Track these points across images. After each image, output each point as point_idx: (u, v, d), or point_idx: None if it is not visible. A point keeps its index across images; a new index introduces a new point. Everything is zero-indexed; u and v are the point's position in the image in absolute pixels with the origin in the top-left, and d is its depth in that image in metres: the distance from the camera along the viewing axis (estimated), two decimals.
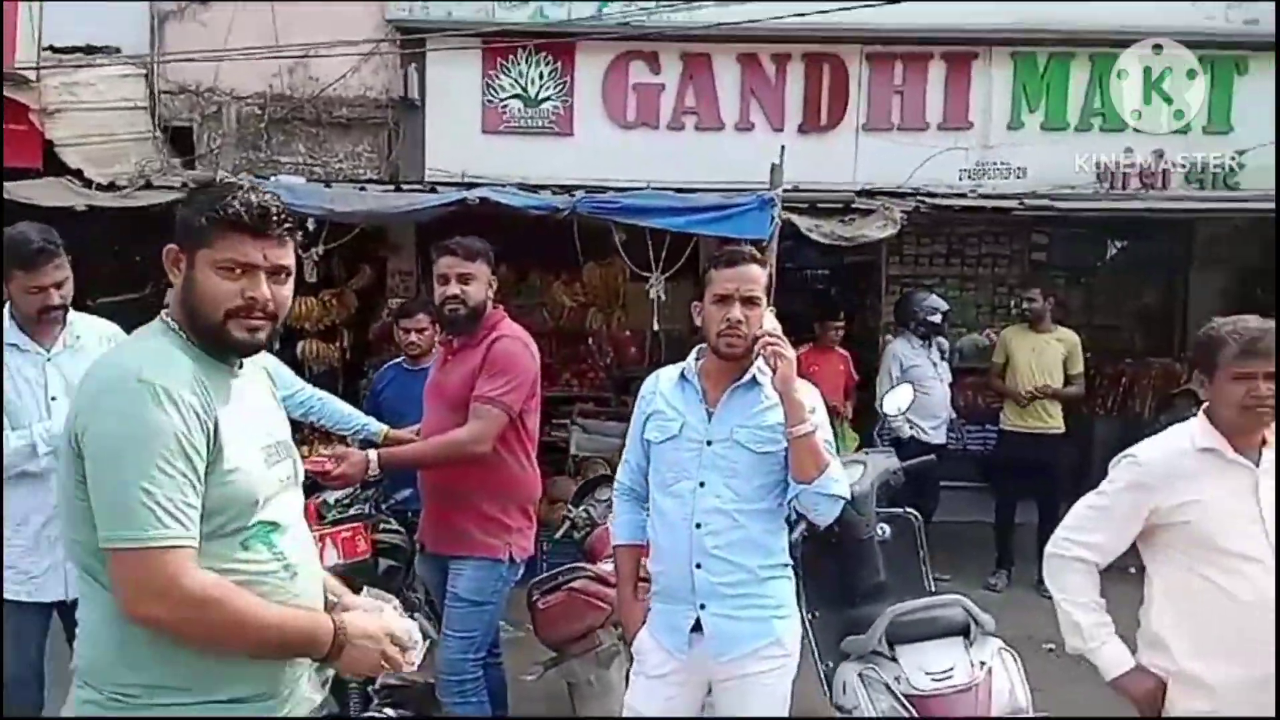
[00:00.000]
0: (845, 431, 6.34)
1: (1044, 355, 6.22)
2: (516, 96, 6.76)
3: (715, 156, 6.63)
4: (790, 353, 2.51)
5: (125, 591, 1.61)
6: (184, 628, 1.62)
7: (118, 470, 1.59)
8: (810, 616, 3.63)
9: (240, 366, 1.82)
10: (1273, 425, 2.42)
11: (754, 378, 2.61)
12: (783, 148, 5.89)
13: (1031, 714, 2.90)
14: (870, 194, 6.45)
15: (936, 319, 6.46)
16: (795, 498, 2.56)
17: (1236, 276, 7.48)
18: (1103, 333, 7.89)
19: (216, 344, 1.74)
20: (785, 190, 6.02)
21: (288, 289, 1.77)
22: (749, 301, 2.54)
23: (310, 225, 5.41)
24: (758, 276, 2.57)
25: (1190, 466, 2.43)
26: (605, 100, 6.75)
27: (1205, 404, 2.49)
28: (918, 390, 6.11)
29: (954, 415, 6.50)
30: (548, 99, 6.73)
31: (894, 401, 4.61)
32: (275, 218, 1.72)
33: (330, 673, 1.87)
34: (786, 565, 2.64)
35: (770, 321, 2.60)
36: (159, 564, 1.58)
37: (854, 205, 6.25)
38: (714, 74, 6.79)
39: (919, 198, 6.48)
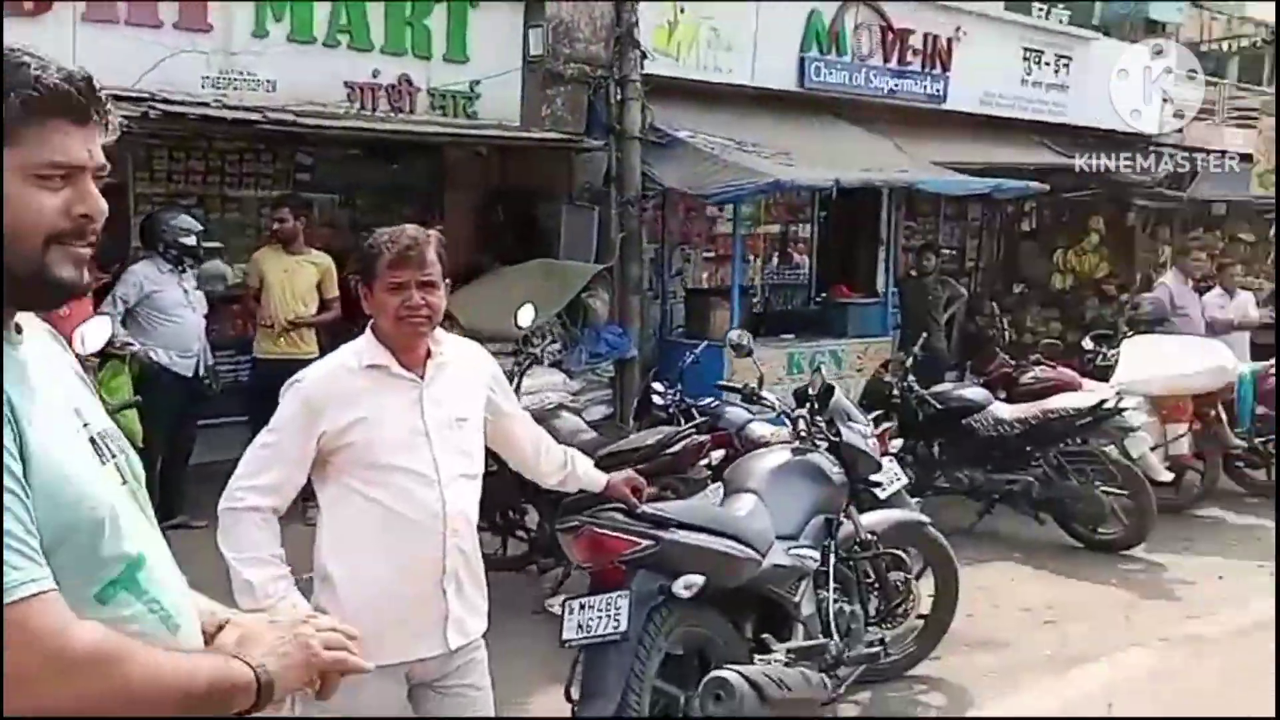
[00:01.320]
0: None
1: (297, 278, 6.04)
2: None
3: None
4: None
5: None
6: (78, 705, 1.06)
7: None
8: None
9: (19, 331, 1.21)
10: (435, 334, 2.43)
11: None
12: None
13: None
14: None
15: (190, 241, 5.87)
16: None
17: (483, 198, 8.17)
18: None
19: (29, 292, 1.15)
20: None
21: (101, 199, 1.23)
22: None
23: None
24: None
25: (356, 384, 2.34)
26: None
27: (371, 319, 2.42)
28: (168, 320, 5.60)
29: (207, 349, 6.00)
30: None
31: (94, 337, 3.98)
32: (103, 96, 1.19)
33: None
34: None
35: None
36: (29, 619, 1.02)
37: None
38: None
39: (152, 103, 5.79)
